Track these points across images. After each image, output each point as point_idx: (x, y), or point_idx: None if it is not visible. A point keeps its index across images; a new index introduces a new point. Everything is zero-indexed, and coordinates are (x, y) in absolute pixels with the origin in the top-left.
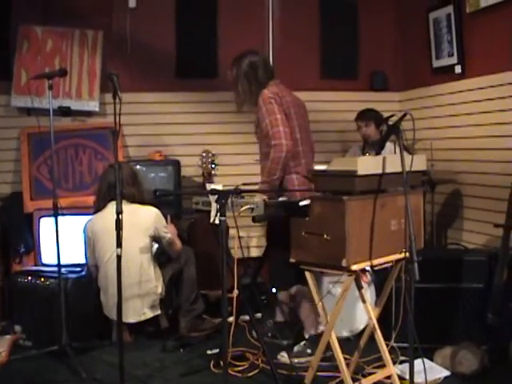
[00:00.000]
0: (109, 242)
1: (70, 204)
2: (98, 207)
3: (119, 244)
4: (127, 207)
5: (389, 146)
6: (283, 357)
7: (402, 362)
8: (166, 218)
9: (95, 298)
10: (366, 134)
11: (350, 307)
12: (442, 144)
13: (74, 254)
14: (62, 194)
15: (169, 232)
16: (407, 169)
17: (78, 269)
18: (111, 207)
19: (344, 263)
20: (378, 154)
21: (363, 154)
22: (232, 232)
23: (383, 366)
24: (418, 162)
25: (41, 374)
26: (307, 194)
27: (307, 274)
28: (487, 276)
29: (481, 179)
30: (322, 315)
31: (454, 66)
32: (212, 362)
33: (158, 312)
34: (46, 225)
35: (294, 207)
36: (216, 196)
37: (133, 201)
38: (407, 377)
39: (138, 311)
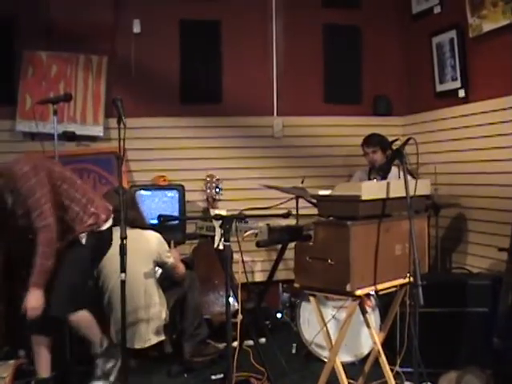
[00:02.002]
0: (113, 268)
1: None
2: None
3: (123, 269)
4: (130, 232)
5: (394, 170)
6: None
7: None
8: (168, 243)
9: (99, 322)
10: (373, 159)
11: (354, 332)
12: (445, 168)
13: None
14: None
15: (171, 256)
16: (411, 193)
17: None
18: (113, 233)
19: (348, 288)
20: (383, 178)
21: (369, 178)
22: (236, 257)
23: None
24: (422, 187)
25: None
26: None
27: (311, 298)
28: (492, 300)
29: (485, 203)
30: (327, 340)
31: (457, 90)
32: None
33: (163, 337)
34: None
35: (297, 232)
36: (220, 221)
37: (134, 225)
38: None
39: (142, 337)
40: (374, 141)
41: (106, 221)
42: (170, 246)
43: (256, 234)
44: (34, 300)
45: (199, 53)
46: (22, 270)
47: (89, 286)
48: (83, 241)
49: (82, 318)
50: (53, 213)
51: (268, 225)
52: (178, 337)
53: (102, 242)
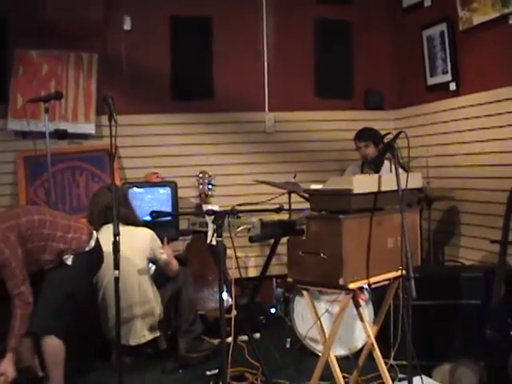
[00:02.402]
0: (106, 265)
1: None
2: None
3: (117, 266)
4: (123, 229)
5: (387, 164)
6: None
7: (401, 380)
8: (161, 240)
9: (94, 319)
10: (365, 153)
11: (348, 326)
12: (437, 161)
13: None
14: None
15: (164, 253)
16: (403, 186)
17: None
18: (105, 230)
19: (341, 282)
20: (376, 172)
21: (362, 172)
22: (229, 252)
23: (382, 383)
24: (414, 180)
25: None
26: None
27: (304, 293)
28: (485, 292)
29: (477, 196)
30: (321, 334)
31: (448, 83)
32: (211, 383)
33: (157, 334)
34: None
35: (290, 227)
36: (213, 217)
37: (127, 222)
38: None
39: (137, 333)
40: (366, 135)
41: (89, 240)
42: (163, 243)
43: (249, 229)
44: (10, 366)
45: (190, 49)
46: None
47: (76, 304)
48: (69, 262)
49: (56, 348)
50: (26, 277)
51: (261, 220)
52: (173, 333)
53: (91, 259)
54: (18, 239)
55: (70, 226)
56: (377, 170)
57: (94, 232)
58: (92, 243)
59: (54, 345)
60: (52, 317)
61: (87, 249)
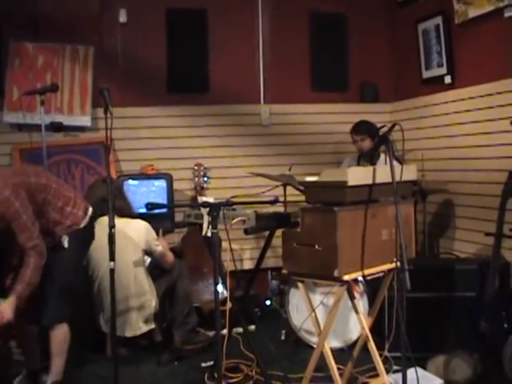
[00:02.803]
0: (102, 257)
1: None
2: None
3: (112, 258)
4: (118, 221)
5: (383, 157)
6: None
7: (395, 372)
8: (157, 232)
9: (89, 311)
10: (362, 146)
11: (342, 318)
12: (432, 154)
13: None
14: None
15: (160, 245)
16: (397, 179)
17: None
18: (101, 222)
19: (336, 273)
20: (373, 164)
21: (359, 165)
22: (225, 245)
23: (377, 375)
24: (408, 172)
25: None
26: None
27: (300, 284)
28: (479, 284)
29: (472, 189)
30: (316, 326)
31: (443, 76)
32: (206, 375)
33: (153, 326)
34: None
35: (285, 219)
36: (208, 208)
37: (122, 215)
38: None
39: (133, 325)
40: (362, 128)
41: (84, 217)
42: (158, 235)
43: (244, 221)
44: (10, 309)
45: (186, 42)
46: (11, 260)
47: (78, 285)
48: (65, 244)
49: (66, 334)
50: (39, 230)
51: (256, 212)
52: (168, 325)
53: (85, 236)
54: (29, 197)
55: (70, 200)
56: (372, 162)
57: (90, 208)
58: (87, 219)
59: (63, 332)
60: (61, 305)
61: (82, 225)
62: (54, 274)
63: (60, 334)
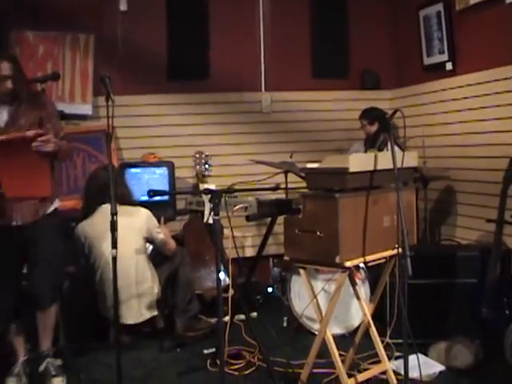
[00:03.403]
0: (104, 245)
1: (64, 207)
2: (87, 211)
3: (114, 245)
4: (119, 209)
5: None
6: None
7: (397, 358)
8: (158, 220)
9: (92, 299)
10: (370, 132)
11: (344, 304)
12: (434, 141)
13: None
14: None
15: (161, 232)
16: (398, 165)
17: (74, 271)
18: (102, 210)
19: (338, 260)
20: (380, 150)
21: (366, 151)
22: (226, 232)
23: (378, 361)
24: (409, 159)
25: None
26: None
27: (301, 271)
28: (481, 271)
29: (473, 175)
30: (317, 313)
31: (444, 63)
32: (208, 361)
33: (155, 313)
34: None
35: (286, 205)
36: (209, 196)
37: (123, 202)
38: (402, 372)
39: (135, 312)
40: (370, 114)
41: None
42: (159, 223)
43: (245, 208)
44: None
45: (187, 29)
46: None
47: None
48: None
49: (56, 312)
50: None
51: (257, 198)
52: (170, 312)
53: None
54: None
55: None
56: (379, 148)
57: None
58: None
59: (55, 310)
60: (55, 286)
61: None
62: (46, 259)
63: (53, 312)
